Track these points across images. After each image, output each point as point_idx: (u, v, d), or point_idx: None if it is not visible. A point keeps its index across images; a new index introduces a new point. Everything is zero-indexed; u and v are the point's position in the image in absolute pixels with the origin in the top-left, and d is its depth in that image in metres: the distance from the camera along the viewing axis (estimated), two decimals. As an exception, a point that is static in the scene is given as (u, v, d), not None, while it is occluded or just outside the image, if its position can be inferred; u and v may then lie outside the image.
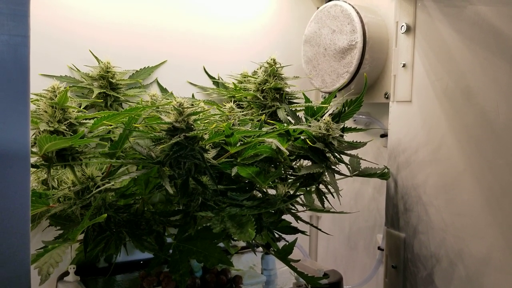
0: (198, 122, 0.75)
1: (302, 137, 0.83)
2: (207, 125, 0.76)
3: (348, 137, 0.98)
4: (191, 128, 0.71)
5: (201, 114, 0.75)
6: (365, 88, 0.89)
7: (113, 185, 0.73)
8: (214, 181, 0.74)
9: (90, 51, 0.98)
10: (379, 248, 1.08)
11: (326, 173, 0.84)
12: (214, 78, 1.14)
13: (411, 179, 0.92)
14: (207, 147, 0.75)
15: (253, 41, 1.21)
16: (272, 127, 0.86)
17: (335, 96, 1.08)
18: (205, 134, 0.73)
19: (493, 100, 0.77)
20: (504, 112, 0.75)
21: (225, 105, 0.88)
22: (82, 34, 0.99)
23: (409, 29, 0.91)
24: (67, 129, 0.72)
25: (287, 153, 0.78)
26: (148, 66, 1.04)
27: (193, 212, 0.76)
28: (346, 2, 1.07)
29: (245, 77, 1.08)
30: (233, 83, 1.05)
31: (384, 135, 1.07)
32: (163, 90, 1.07)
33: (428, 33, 0.88)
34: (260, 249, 0.99)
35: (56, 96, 0.73)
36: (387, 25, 1.04)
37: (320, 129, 0.84)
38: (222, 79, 1.15)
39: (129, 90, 0.98)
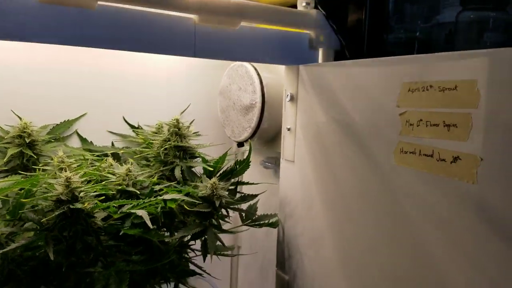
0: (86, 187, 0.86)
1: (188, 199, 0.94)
2: (97, 186, 0.87)
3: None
4: (76, 199, 0.82)
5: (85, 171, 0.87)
6: (249, 153, 1.01)
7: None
8: (100, 243, 0.85)
9: (12, 110, 1.08)
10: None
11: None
12: (134, 127, 1.25)
13: (293, 229, 1.05)
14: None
15: (174, 90, 1.31)
16: (168, 184, 0.99)
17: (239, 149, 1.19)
18: (92, 203, 0.85)
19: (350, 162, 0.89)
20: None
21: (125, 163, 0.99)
22: (4, 89, 1.08)
23: (292, 98, 1.03)
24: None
25: (152, 226, 0.85)
26: (68, 120, 1.15)
27: (84, 269, 0.88)
28: (249, 62, 1.18)
29: (159, 128, 1.19)
30: (141, 137, 1.16)
31: (283, 183, 1.19)
32: (83, 140, 1.18)
33: (305, 104, 1.00)
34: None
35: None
36: (286, 85, 1.16)
37: (206, 189, 0.96)
38: (141, 127, 1.25)
39: (46, 145, 1.09)
